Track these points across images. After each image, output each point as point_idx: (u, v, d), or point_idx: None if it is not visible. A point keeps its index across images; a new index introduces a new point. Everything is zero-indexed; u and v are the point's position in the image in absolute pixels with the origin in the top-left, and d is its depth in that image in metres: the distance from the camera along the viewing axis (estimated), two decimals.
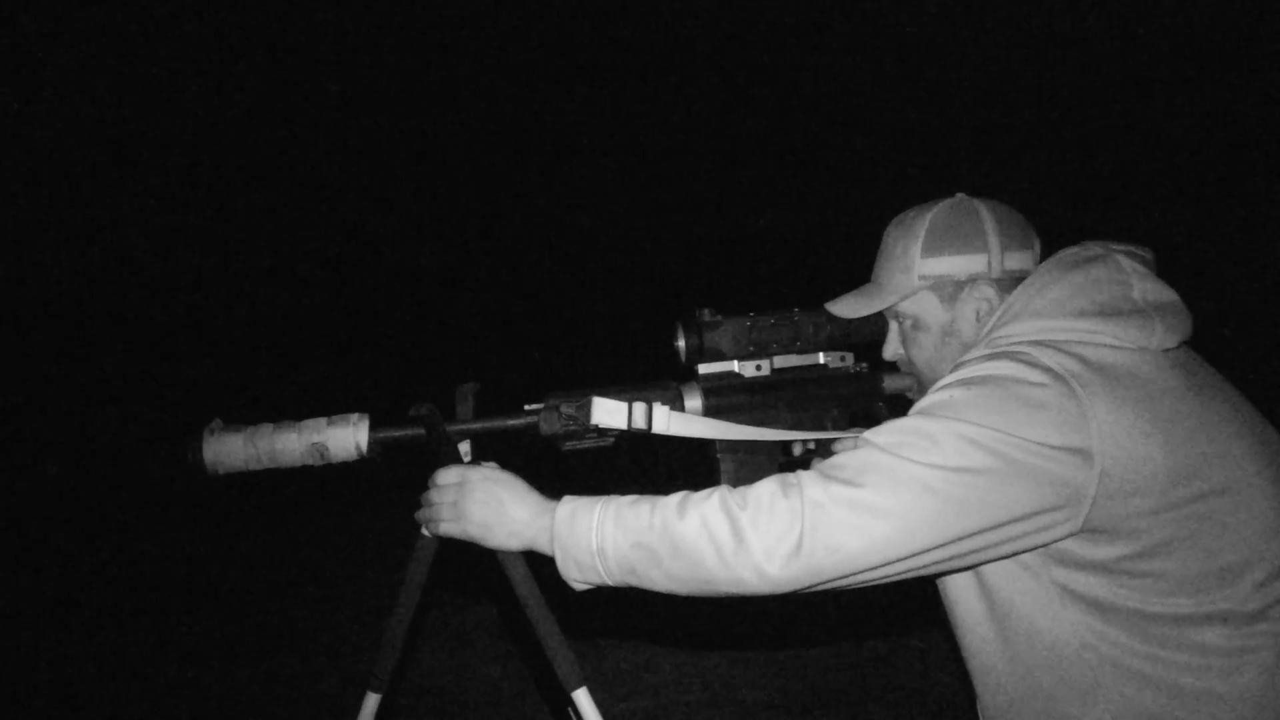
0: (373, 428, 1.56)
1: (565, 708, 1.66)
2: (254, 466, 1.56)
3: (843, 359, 1.78)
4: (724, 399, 1.69)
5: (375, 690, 1.71)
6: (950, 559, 1.31)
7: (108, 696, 4.05)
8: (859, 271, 1.75)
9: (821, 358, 1.77)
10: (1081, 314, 1.43)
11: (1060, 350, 1.39)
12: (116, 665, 4.32)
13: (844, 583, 1.31)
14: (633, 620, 4.06)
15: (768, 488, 1.32)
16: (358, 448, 1.55)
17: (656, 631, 4.21)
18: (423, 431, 1.57)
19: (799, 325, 1.72)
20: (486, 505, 1.48)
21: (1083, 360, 1.37)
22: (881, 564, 1.28)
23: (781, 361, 1.73)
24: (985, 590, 1.49)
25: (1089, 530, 1.32)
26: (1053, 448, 1.28)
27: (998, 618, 1.48)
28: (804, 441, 1.76)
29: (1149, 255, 1.56)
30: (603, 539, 1.37)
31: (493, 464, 1.57)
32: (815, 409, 1.73)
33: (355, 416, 1.56)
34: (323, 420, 1.56)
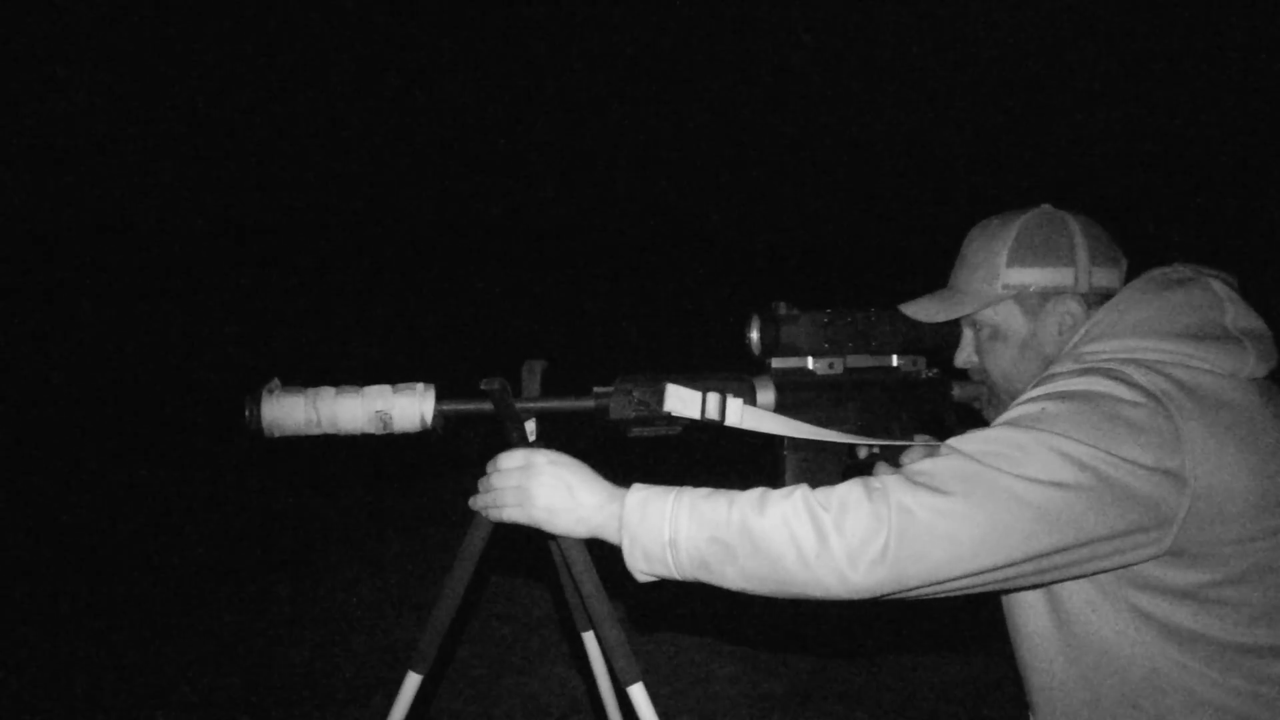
0: (439, 399, 1.52)
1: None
2: (312, 431, 1.51)
3: (914, 363, 1.75)
4: (796, 395, 1.65)
5: (418, 670, 1.67)
6: (1033, 574, 1.28)
7: (144, 670, 3.99)
8: (922, 277, 1.72)
9: (894, 360, 1.73)
10: (1174, 336, 1.41)
11: (1153, 370, 1.36)
12: (155, 642, 4.24)
13: (924, 592, 1.28)
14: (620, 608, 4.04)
15: (853, 490, 1.28)
16: (422, 419, 1.50)
17: (641, 619, 4.19)
18: (490, 406, 1.52)
19: (875, 325, 1.69)
20: (554, 490, 1.44)
21: (1176, 382, 1.34)
22: (965, 574, 1.25)
23: (854, 361, 1.70)
24: (1056, 608, 1.46)
25: (1173, 554, 1.30)
26: (1146, 468, 1.25)
27: (1066, 637, 1.45)
28: (869, 445, 1.73)
29: (1235, 281, 1.53)
30: (676, 530, 1.33)
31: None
32: (884, 412, 1.69)
33: (422, 386, 1.51)
34: (388, 388, 1.51)
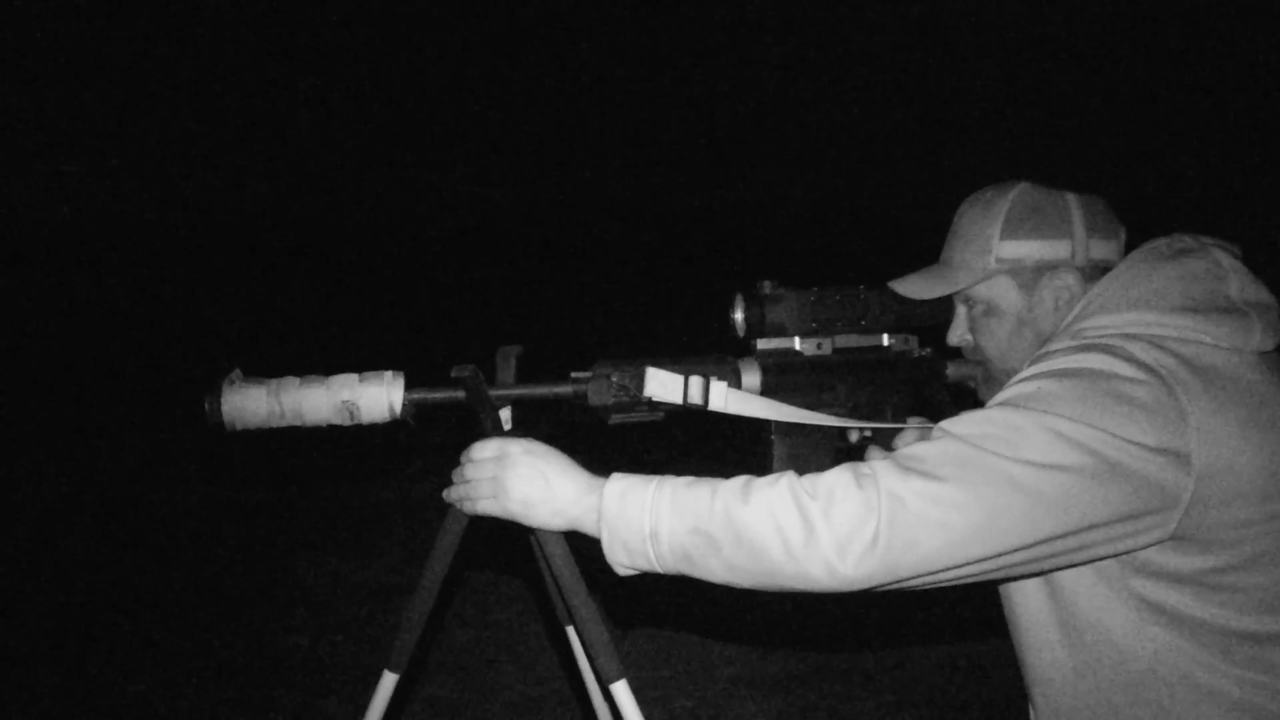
0: (408, 388, 1.45)
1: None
2: (276, 424, 1.44)
3: (906, 341, 1.69)
4: (783, 377, 1.58)
5: (394, 670, 1.61)
6: (1032, 561, 1.23)
7: (109, 671, 3.94)
8: (918, 251, 1.66)
9: (885, 339, 1.67)
10: (1177, 309, 1.34)
11: (1155, 345, 1.30)
12: (121, 640, 4.19)
13: (918, 583, 1.22)
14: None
15: (840, 477, 1.22)
16: (391, 408, 1.43)
17: (626, 611, 4.15)
18: (462, 394, 1.45)
19: (865, 303, 1.62)
20: (530, 480, 1.37)
21: (1179, 357, 1.28)
22: (960, 564, 1.19)
23: (843, 341, 1.63)
24: (1056, 596, 1.40)
25: (1177, 538, 1.24)
26: (1149, 449, 1.19)
27: (1066, 626, 1.40)
28: (860, 428, 1.66)
29: (1239, 251, 1.46)
30: (657, 522, 1.27)
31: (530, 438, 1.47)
32: (875, 393, 1.63)
33: (390, 374, 1.44)
34: (354, 377, 1.44)
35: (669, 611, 4.10)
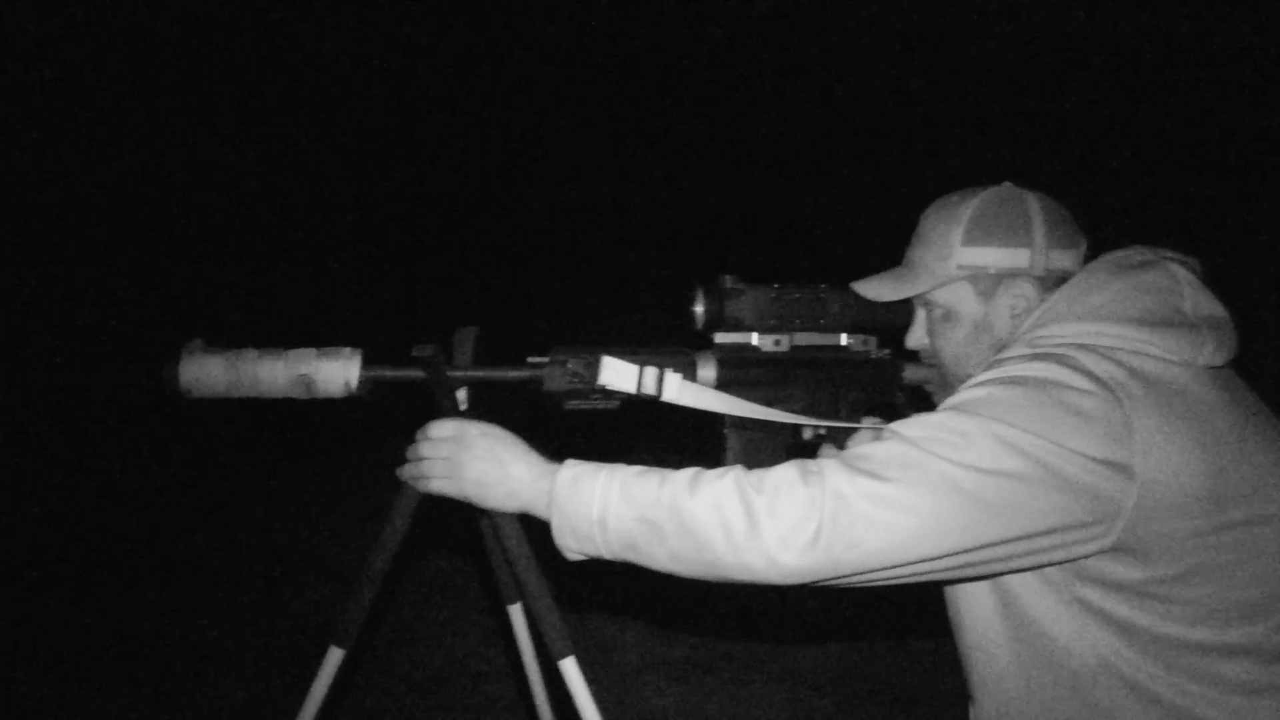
0: (366, 364, 1.46)
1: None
2: (234, 393, 1.45)
3: (865, 342, 1.70)
4: (739, 372, 1.59)
5: (340, 645, 1.62)
6: (972, 565, 1.24)
7: (59, 650, 3.91)
8: (887, 254, 1.67)
9: (844, 339, 1.68)
10: (1129, 321, 1.35)
11: (1105, 357, 1.31)
12: (71, 619, 4.17)
13: (858, 580, 1.23)
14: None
15: (787, 473, 1.23)
16: (347, 384, 1.44)
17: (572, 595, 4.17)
18: (420, 374, 1.46)
19: (825, 302, 1.63)
20: (485, 462, 1.38)
21: (1129, 370, 1.29)
22: (900, 564, 1.20)
23: (802, 339, 1.64)
24: (1003, 600, 1.41)
25: (1120, 549, 1.25)
26: (1093, 460, 1.21)
27: (1013, 630, 1.41)
28: (815, 426, 1.68)
29: (1199, 265, 1.48)
30: (605, 509, 1.28)
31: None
32: (832, 392, 1.64)
33: (348, 350, 1.46)
34: (312, 351, 1.45)
35: (579, 595, 4.09)
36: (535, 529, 1.42)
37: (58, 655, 3.83)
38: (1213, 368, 1.36)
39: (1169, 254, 1.46)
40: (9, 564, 4.56)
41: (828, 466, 1.23)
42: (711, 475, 1.27)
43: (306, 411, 1.70)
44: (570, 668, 1.56)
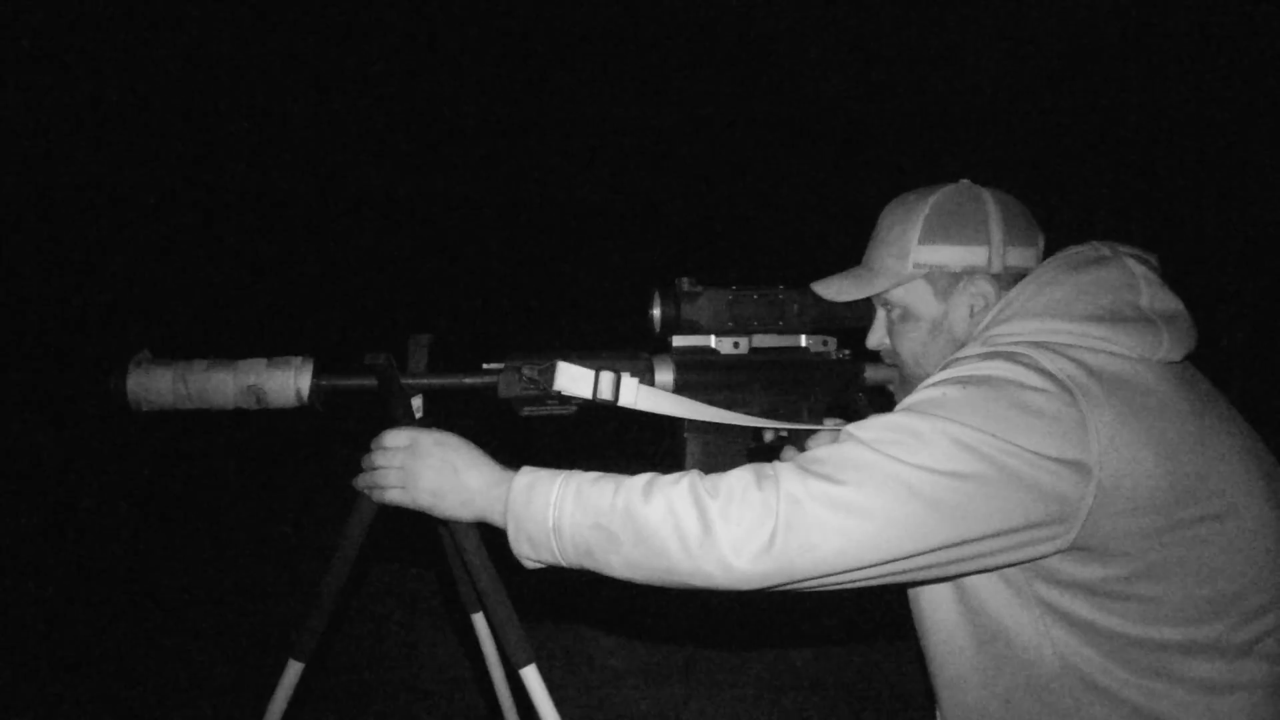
0: (317, 374, 1.43)
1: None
2: (183, 406, 1.43)
3: (825, 343, 1.69)
4: (697, 375, 1.58)
5: (298, 658, 1.60)
6: (929, 567, 1.23)
7: (20, 668, 3.85)
8: (848, 254, 1.66)
9: (803, 340, 1.67)
10: (1084, 318, 1.35)
11: (1061, 355, 1.30)
12: (32, 636, 4.11)
13: (815, 584, 1.22)
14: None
15: (741, 478, 1.22)
16: (298, 394, 1.42)
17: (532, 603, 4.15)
18: (373, 382, 1.44)
19: (783, 304, 1.62)
20: (439, 471, 1.36)
21: (1085, 367, 1.28)
22: (856, 567, 1.19)
23: (761, 341, 1.63)
24: (963, 601, 1.40)
25: (1079, 548, 1.24)
26: (1049, 459, 1.20)
27: (974, 630, 1.40)
28: (775, 428, 1.66)
29: (1156, 261, 1.47)
30: (560, 516, 1.27)
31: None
32: (792, 394, 1.63)
33: (299, 360, 1.43)
34: (261, 361, 1.43)
35: (557, 602, 4.11)
36: (494, 537, 1.40)
37: (18, 673, 3.77)
38: (1171, 363, 1.35)
39: (1126, 249, 1.46)
40: None
41: (783, 470, 1.22)
42: (667, 480, 1.26)
43: (269, 423, 1.68)
44: (532, 676, 1.54)
